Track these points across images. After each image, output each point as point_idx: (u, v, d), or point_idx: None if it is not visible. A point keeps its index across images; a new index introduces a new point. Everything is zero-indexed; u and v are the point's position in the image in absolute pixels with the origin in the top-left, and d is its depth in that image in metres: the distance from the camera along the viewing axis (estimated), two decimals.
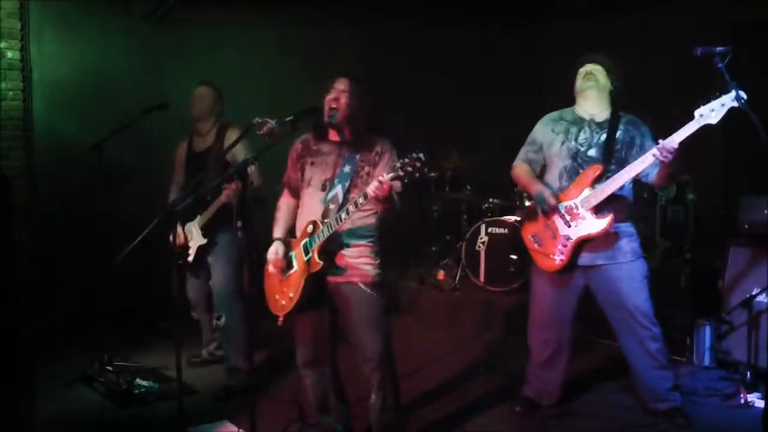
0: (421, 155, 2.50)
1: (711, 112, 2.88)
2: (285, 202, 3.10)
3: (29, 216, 4.65)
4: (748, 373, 3.75)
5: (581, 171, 3.26)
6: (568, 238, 3.24)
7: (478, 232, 5.56)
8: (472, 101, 6.80)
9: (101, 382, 3.80)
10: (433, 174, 5.90)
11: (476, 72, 6.81)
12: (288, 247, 2.96)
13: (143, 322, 4.78)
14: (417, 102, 6.33)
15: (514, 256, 5.34)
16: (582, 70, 3.35)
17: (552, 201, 3.25)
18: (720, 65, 2.72)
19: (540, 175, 3.45)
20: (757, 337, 3.78)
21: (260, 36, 5.81)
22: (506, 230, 5.45)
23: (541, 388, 3.52)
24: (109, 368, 3.91)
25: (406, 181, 2.56)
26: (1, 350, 2.55)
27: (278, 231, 3.04)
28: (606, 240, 3.24)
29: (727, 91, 2.79)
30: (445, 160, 5.91)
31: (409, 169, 2.50)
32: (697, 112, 2.91)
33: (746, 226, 4.14)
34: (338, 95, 2.84)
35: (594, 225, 3.19)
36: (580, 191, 3.23)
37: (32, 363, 2.83)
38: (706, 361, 4.09)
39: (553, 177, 3.37)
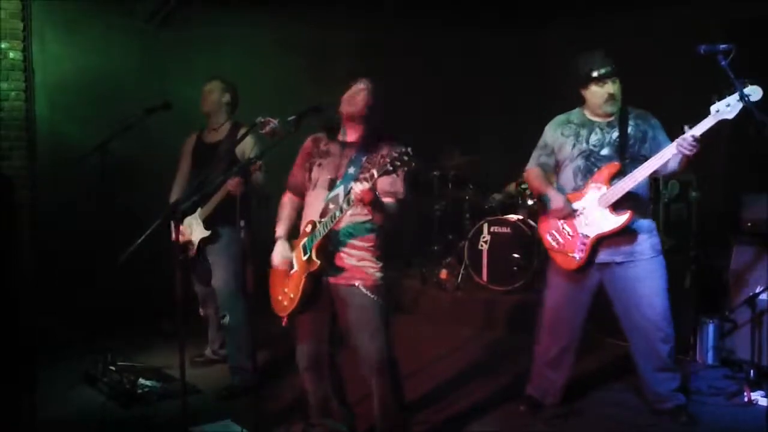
0: (408, 149, 2.48)
1: (727, 108, 2.88)
2: (288, 199, 3.09)
3: (31, 217, 4.65)
4: (752, 371, 3.76)
5: (596, 169, 3.27)
6: (586, 236, 3.25)
7: (480, 231, 5.56)
8: (473, 101, 6.81)
9: (104, 382, 3.79)
10: (435, 173, 5.90)
11: (477, 72, 6.82)
12: (291, 247, 2.95)
13: (146, 321, 4.77)
14: (417, 101, 6.33)
15: (516, 255, 5.34)
16: (602, 91, 3.25)
17: (565, 209, 3.26)
18: (723, 63, 2.71)
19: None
20: (760, 336, 3.78)
21: (262, 36, 5.81)
22: (509, 229, 5.45)
23: (544, 387, 3.52)
24: (113, 368, 3.90)
25: (396, 176, 2.55)
26: (3, 350, 2.55)
27: (280, 229, 3.02)
28: (625, 237, 3.23)
29: (741, 88, 2.77)
30: (447, 159, 5.91)
31: (398, 163, 2.48)
32: (712, 108, 2.92)
33: (749, 225, 4.15)
34: (357, 93, 2.84)
35: (612, 222, 3.19)
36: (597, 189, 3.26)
37: (34, 363, 2.83)
38: (710, 360, 4.09)
39: (566, 177, 3.38)
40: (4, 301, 2.58)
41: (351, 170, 2.83)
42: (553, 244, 3.37)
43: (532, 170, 3.51)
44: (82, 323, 4.49)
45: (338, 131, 2.94)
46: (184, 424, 2.96)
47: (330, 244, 2.79)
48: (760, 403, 3.53)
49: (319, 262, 2.76)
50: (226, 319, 3.84)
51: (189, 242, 3.87)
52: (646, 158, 3.20)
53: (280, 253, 2.94)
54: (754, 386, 3.64)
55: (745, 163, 4.86)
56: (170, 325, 4.63)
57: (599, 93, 3.26)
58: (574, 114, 3.42)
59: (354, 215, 2.77)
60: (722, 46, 2.72)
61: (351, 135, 2.91)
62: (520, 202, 5.71)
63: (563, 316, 3.43)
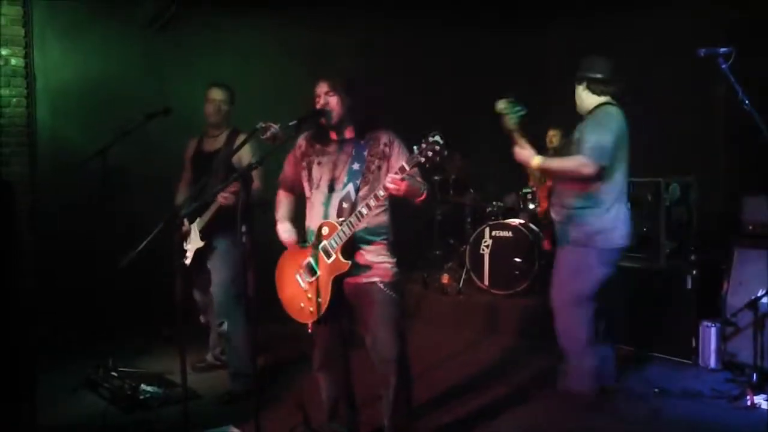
0: (437, 137, 2.46)
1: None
2: (283, 194, 3.12)
3: (32, 222, 4.65)
4: (755, 374, 3.74)
5: None
6: None
7: (482, 235, 5.55)
8: (473, 102, 6.78)
9: (106, 388, 3.79)
10: (437, 177, 5.89)
11: (477, 73, 6.81)
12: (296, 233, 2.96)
13: (147, 327, 4.77)
14: (418, 103, 6.32)
15: (518, 259, 5.33)
16: None
17: None
18: (724, 66, 2.70)
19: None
20: (762, 339, 3.77)
21: (262, 40, 5.81)
22: (510, 233, 5.44)
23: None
24: (114, 374, 3.90)
25: (427, 167, 2.53)
26: (4, 356, 2.55)
27: (280, 213, 3.05)
28: (559, 225, 3.60)
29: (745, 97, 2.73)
30: (449, 163, 5.90)
31: (429, 153, 2.47)
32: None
33: (750, 227, 4.13)
34: (325, 98, 2.82)
35: None
36: None
37: (35, 368, 2.83)
38: (712, 363, 4.08)
39: None
40: (4, 305, 2.58)
41: (355, 166, 2.81)
42: None
43: None
44: (83, 327, 4.49)
45: (328, 133, 2.91)
46: (185, 430, 2.96)
47: (351, 244, 2.78)
48: (762, 406, 3.53)
49: (349, 262, 2.74)
50: (224, 327, 3.84)
51: (186, 251, 3.87)
52: None
53: (285, 231, 2.97)
54: (757, 390, 3.63)
55: (746, 165, 4.84)
56: (171, 331, 4.64)
57: None
58: None
59: (370, 213, 2.75)
60: (722, 50, 2.71)
61: (342, 133, 2.88)
62: (521, 206, 5.71)
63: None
